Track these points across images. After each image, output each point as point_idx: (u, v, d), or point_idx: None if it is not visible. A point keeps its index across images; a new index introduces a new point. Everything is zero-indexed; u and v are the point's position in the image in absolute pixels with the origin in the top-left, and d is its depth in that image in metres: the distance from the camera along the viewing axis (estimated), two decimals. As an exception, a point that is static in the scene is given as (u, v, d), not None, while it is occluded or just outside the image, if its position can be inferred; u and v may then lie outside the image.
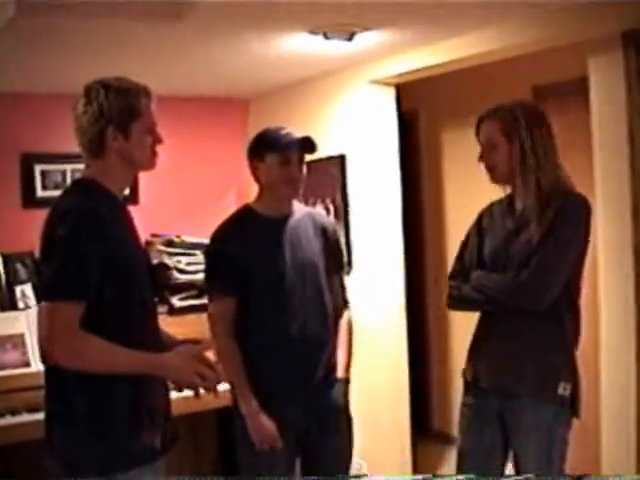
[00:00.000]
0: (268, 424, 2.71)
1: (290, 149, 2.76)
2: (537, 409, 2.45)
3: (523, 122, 2.47)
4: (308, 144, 2.79)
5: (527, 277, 2.41)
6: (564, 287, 2.44)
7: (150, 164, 2.25)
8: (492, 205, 2.70)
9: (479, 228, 2.68)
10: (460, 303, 2.64)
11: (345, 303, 2.99)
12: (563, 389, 2.44)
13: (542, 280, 2.40)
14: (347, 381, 2.90)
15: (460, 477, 2.60)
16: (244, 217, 2.89)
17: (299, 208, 2.93)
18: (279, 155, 2.76)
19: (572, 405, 2.48)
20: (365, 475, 4.16)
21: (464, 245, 2.70)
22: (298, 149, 2.78)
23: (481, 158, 2.57)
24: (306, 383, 2.79)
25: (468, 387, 2.66)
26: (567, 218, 2.42)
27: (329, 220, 3.13)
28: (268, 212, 2.85)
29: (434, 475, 4.24)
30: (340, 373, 2.87)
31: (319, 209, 4.31)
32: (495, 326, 2.56)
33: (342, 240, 3.14)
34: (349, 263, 4.24)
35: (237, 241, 2.81)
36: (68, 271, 1.99)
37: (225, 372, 2.77)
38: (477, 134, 2.60)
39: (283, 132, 2.80)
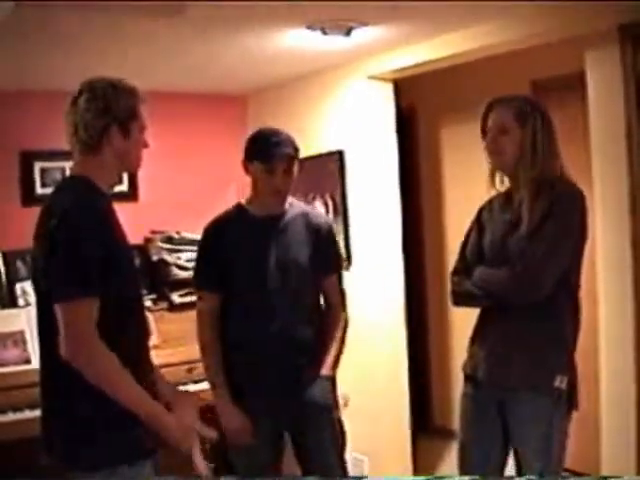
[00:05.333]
0: (239, 419, 2.74)
1: (274, 160, 2.75)
2: (534, 401, 2.46)
3: (537, 109, 2.51)
4: (293, 156, 2.78)
5: (520, 271, 2.42)
6: (563, 282, 2.44)
7: (138, 165, 2.31)
8: (491, 200, 2.71)
9: (479, 223, 2.69)
10: (462, 299, 2.65)
11: (342, 302, 2.97)
12: (559, 382, 2.45)
13: (535, 273, 2.41)
14: (332, 379, 2.87)
15: (464, 478, 2.61)
16: (234, 215, 2.89)
17: (294, 207, 2.91)
18: (264, 164, 2.76)
19: (570, 398, 2.49)
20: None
21: (465, 241, 2.72)
22: (283, 161, 2.76)
23: (489, 144, 2.56)
24: (285, 382, 2.79)
25: (468, 380, 2.67)
26: (560, 210, 2.43)
27: (325, 220, 3.06)
28: (258, 211, 2.85)
29: (436, 476, 4.24)
30: (325, 371, 2.84)
31: (318, 206, 4.32)
32: (493, 320, 2.58)
33: (340, 239, 3.12)
34: (348, 259, 4.25)
35: (223, 239, 2.82)
36: (79, 268, 2.00)
37: (204, 367, 2.85)
38: (484, 120, 2.59)
39: (274, 139, 2.77)
